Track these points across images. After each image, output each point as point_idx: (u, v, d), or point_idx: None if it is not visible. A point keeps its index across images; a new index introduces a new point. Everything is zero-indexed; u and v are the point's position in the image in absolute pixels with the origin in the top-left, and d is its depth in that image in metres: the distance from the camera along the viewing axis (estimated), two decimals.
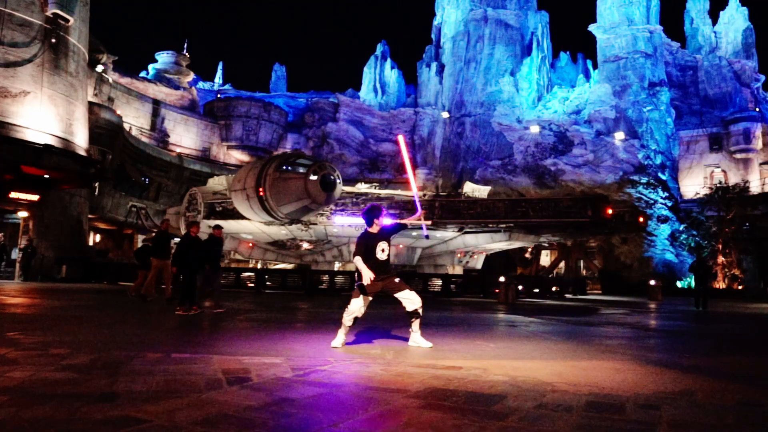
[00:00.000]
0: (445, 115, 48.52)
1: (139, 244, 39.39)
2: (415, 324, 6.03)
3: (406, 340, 6.21)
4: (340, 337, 5.82)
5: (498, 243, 26.20)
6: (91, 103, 29.40)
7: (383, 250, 5.92)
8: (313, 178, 20.01)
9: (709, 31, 50.41)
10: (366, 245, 5.89)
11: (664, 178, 39.52)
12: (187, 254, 9.85)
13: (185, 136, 44.94)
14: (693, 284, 22.17)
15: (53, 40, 24.50)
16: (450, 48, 50.21)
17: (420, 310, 5.97)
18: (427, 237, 16.46)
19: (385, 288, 5.93)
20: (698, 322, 11.81)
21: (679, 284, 35.17)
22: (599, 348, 6.49)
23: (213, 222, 24.64)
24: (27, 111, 23.46)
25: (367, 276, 5.67)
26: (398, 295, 5.97)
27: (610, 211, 23.80)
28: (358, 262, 5.79)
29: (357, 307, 5.86)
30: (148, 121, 41.98)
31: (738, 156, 43.02)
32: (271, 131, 49.12)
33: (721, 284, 34.96)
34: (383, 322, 8.78)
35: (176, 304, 10.04)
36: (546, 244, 39.45)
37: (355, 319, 5.91)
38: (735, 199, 34.73)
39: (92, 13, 28.15)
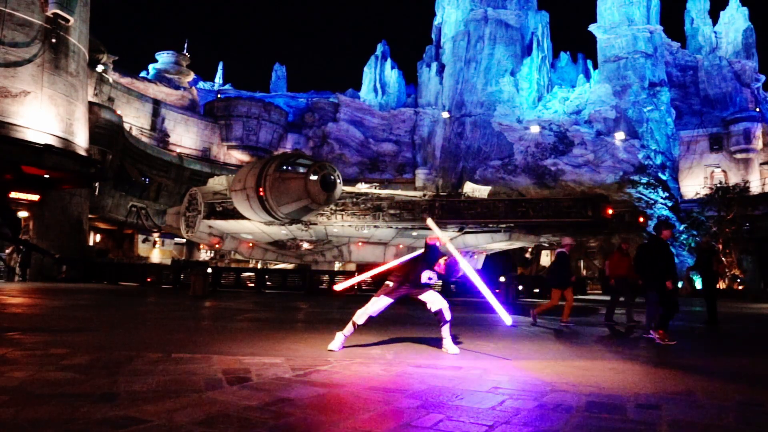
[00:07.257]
0: (446, 115, 48.48)
1: (140, 245, 39.32)
2: (444, 329, 5.77)
3: (408, 340, 6.19)
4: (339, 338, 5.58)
5: (498, 243, 26.17)
6: (91, 103, 29.39)
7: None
8: (314, 178, 20.02)
9: (710, 31, 50.36)
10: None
11: (664, 178, 39.49)
12: (665, 262, 7.91)
13: (185, 136, 44.93)
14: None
15: (53, 40, 24.50)
16: (450, 48, 50.17)
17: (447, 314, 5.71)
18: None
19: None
20: (697, 323, 11.79)
21: (679, 284, 35.17)
22: (599, 348, 6.49)
23: (212, 221, 24.60)
24: (27, 111, 23.45)
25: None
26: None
27: (610, 211, 23.78)
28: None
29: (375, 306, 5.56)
30: (148, 121, 41.97)
31: (738, 156, 42.99)
32: (271, 131, 49.12)
33: (721, 284, 34.91)
34: (384, 324, 8.76)
35: (650, 326, 8.01)
36: (546, 244, 39.39)
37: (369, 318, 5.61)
38: (735, 200, 34.66)
39: (92, 13, 28.16)
